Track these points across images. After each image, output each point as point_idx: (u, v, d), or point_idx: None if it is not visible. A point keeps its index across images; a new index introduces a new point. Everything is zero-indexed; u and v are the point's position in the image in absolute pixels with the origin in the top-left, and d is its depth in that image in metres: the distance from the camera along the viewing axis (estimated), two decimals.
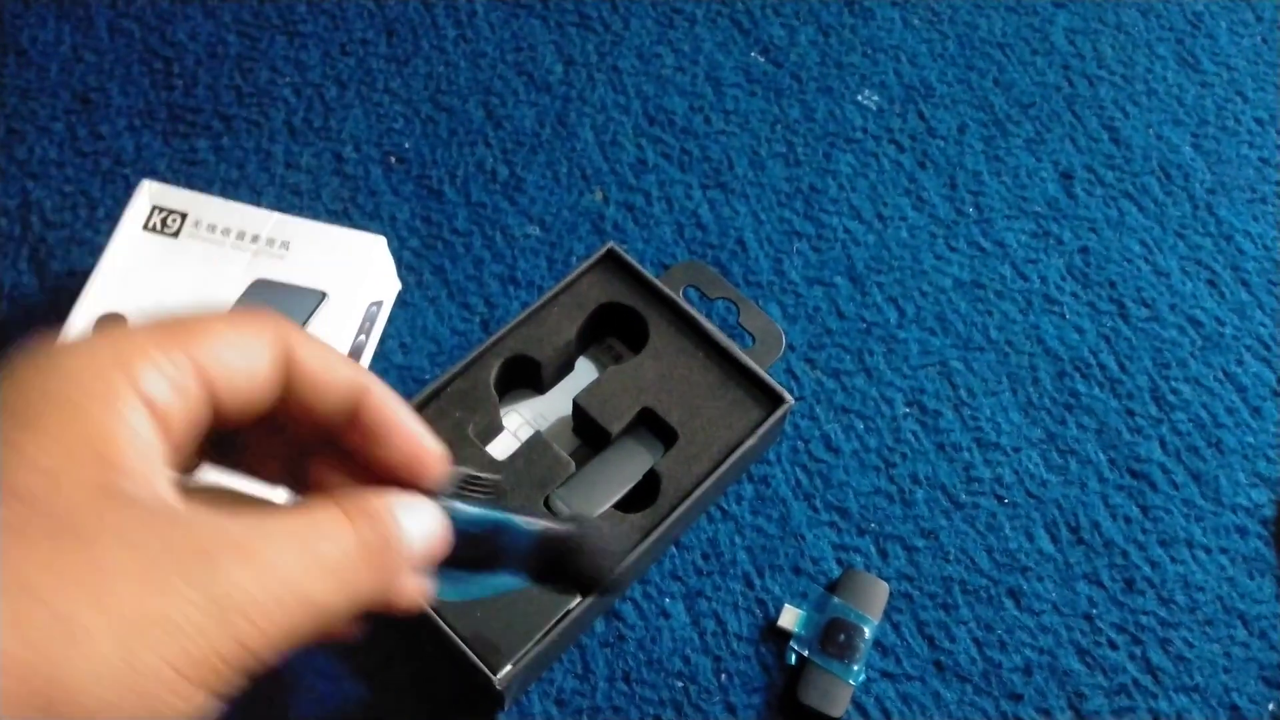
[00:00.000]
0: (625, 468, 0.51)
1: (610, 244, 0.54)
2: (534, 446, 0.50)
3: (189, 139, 0.63)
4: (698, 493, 0.49)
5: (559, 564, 0.32)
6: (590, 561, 0.32)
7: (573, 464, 0.50)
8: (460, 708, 0.49)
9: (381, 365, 0.56)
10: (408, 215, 0.61)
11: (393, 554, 0.27)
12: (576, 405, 0.52)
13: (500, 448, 0.52)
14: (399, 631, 0.49)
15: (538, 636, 0.45)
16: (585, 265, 0.54)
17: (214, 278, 0.53)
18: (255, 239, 0.54)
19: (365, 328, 0.54)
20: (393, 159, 0.63)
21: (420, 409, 0.50)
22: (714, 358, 0.52)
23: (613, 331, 0.56)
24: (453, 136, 0.63)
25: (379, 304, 0.56)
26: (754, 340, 0.54)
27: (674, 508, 0.49)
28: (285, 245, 0.54)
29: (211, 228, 0.54)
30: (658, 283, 0.53)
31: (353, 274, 0.53)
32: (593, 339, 0.56)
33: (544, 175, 0.62)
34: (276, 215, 0.54)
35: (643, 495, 0.50)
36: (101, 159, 0.62)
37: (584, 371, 0.55)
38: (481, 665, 0.44)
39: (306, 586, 0.24)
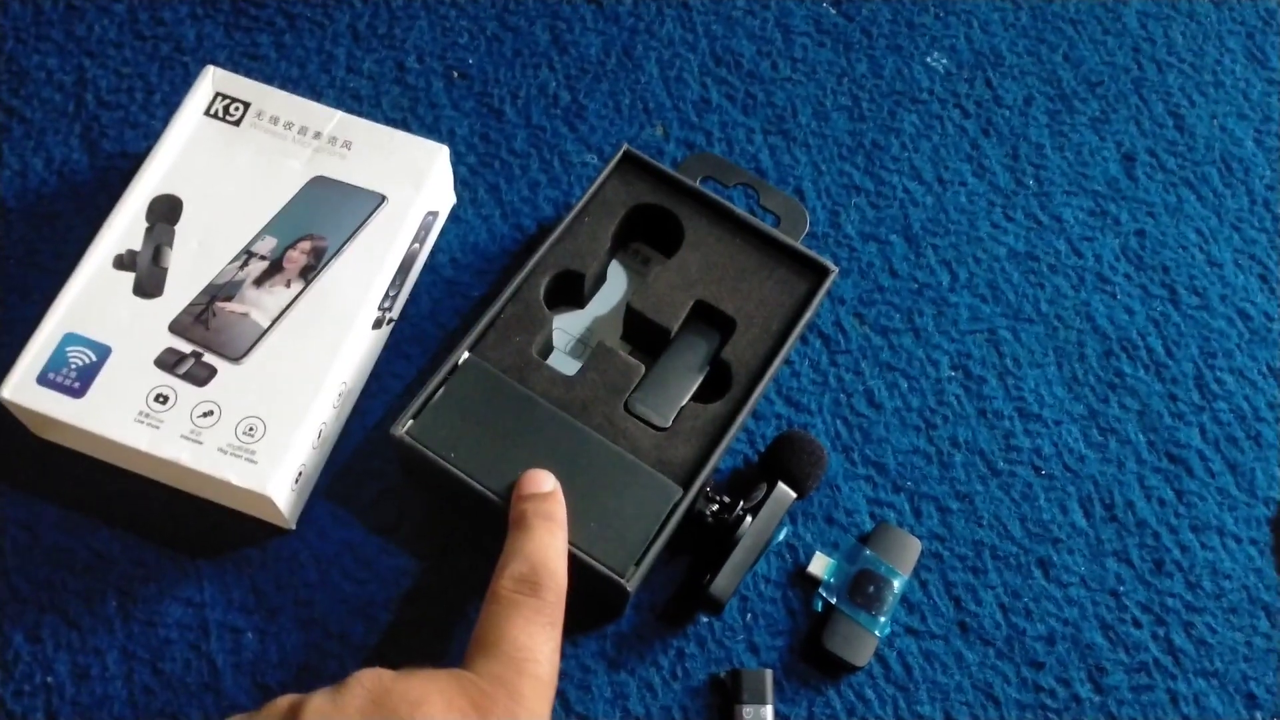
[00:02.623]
0: (693, 361, 0.52)
1: (625, 145, 0.54)
2: (601, 356, 0.50)
3: (251, 33, 0.62)
4: (770, 371, 0.50)
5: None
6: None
7: (642, 367, 0.50)
8: (583, 616, 0.49)
9: (430, 278, 0.56)
10: (466, 131, 0.60)
11: None
12: (631, 309, 0.52)
13: (556, 365, 0.52)
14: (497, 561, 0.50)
15: (653, 534, 0.46)
16: (607, 171, 0.54)
17: (272, 170, 0.52)
18: (318, 135, 0.53)
19: (420, 236, 0.53)
20: (455, 74, 0.62)
21: (483, 337, 0.50)
22: (751, 241, 0.53)
23: (637, 235, 0.56)
24: (517, 57, 0.63)
25: (435, 214, 0.55)
26: (778, 219, 0.56)
27: (749, 390, 0.50)
28: (347, 145, 0.53)
29: (274, 120, 0.53)
30: (682, 177, 0.54)
31: (413, 180, 0.52)
32: (620, 246, 0.56)
33: (606, 105, 0.62)
34: (340, 114, 0.54)
35: (714, 385, 0.51)
36: (161, 44, 0.61)
37: (616, 280, 0.56)
38: (611, 573, 0.45)
39: None
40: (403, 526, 0.50)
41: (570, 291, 0.53)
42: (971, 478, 0.54)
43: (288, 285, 0.50)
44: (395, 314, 0.54)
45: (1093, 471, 0.54)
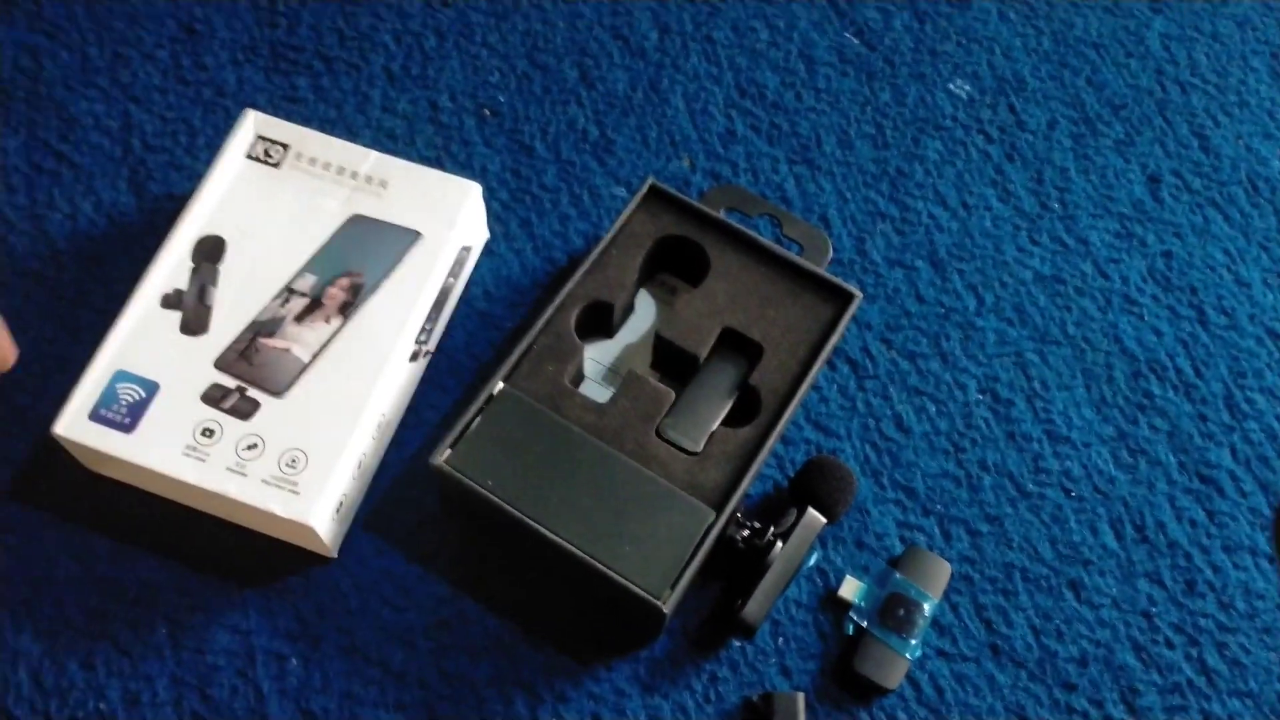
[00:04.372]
0: (721, 387, 0.53)
1: (651, 179, 0.56)
2: (632, 383, 0.52)
3: (290, 76, 0.64)
4: (797, 396, 0.51)
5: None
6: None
7: (672, 394, 0.52)
8: (617, 640, 0.50)
9: (465, 311, 0.57)
10: (498, 167, 0.62)
11: None
12: (659, 337, 0.53)
13: (588, 393, 0.53)
14: (533, 588, 0.51)
15: (688, 557, 0.47)
16: (633, 205, 0.55)
17: (311, 210, 0.54)
18: (354, 175, 0.55)
19: (455, 271, 0.55)
20: (486, 112, 0.63)
21: (516, 367, 0.51)
22: (776, 269, 0.55)
23: (663, 267, 0.57)
24: (546, 94, 0.64)
25: (469, 249, 0.57)
26: (801, 248, 0.57)
27: (778, 414, 0.51)
28: (383, 184, 0.55)
29: (313, 161, 0.55)
30: (706, 209, 0.55)
31: (447, 217, 0.54)
32: (647, 276, 0.57)
33: (633, 139, 0.63)
34: (376, 154, 0.55)
35: (743, 410, 0.52)
36: (204, 89, 0.63)
37: (644, 310, 0.57)
38: (647, 596, 0.46)
39: None
40: (440, 555, 0.52)
41: (600, 322, 0.55)
42: (1001, 500, 0.54)
43: (327, 321, 0.51)
44: (431, 347, 0.55)
45: (1123, 493, 0.55)
